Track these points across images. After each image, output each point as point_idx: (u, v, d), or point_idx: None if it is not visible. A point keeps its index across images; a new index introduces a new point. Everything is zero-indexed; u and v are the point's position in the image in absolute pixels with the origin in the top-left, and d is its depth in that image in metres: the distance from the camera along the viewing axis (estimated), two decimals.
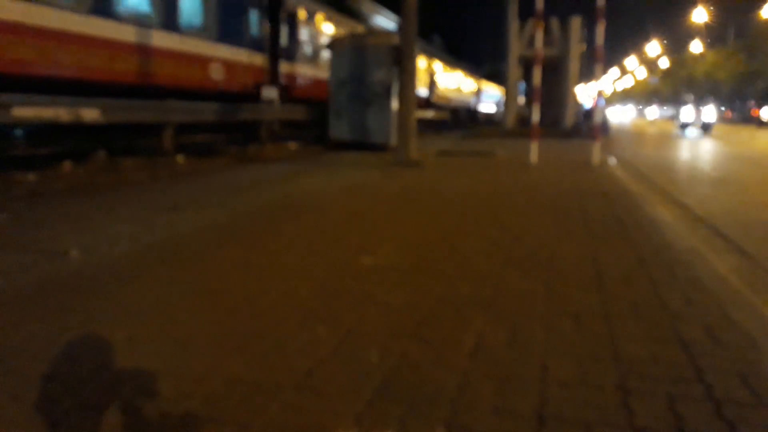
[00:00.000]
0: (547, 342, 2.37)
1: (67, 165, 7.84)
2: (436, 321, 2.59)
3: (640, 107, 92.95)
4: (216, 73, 12.16)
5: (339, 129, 13.04)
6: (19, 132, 8.64)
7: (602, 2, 9.97)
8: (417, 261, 3.60)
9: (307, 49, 16.45)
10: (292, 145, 13.77)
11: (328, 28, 17.90)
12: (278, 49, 14.65)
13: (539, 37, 10.91)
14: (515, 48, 22.08)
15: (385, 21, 31.71)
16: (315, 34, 16.94)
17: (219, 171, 8.73)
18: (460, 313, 2.69)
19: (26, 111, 7.27)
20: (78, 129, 8.62)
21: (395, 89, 11.40)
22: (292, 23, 15.40)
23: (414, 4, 9.58)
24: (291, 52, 15.30)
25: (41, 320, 2.55)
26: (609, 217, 5.16)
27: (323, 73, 16.42)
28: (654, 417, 1.82)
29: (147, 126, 9.88)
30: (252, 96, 13.21)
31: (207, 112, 11.27)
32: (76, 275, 3.24)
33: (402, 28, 10.11)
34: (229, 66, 12.60)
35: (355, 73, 12.77)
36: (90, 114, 8.17)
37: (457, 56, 48.23)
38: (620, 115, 77.02)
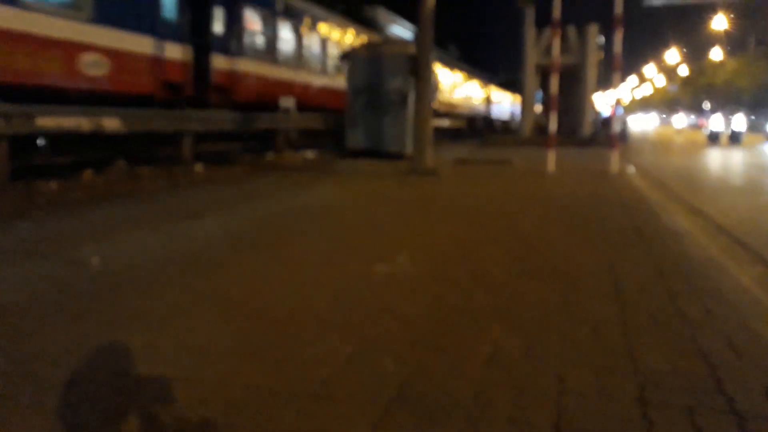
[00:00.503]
0: (563, 352, 2.35)
1: (87, 174, 7.96)
2: (451, 330, 2.59)
3: (664, 116, 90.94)
4: (93, 68, 8.87)
5: (355, 138, 13.06)
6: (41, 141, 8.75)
7: (620, 10, 9.93)
8: (432, 270, 3.60)
9: (259, 42, 13.31)
10: (309, 154, 13.83)
11: (296, 18, 15.04)
12: (209, 40, 11.51)
13: (556, 45, 10.88)
14: (532, 56, 22.01)
15: (401, 30, 31.79)
16: (272, 23, 13.89)
17: (236, 179, 8.78)
18: (476, 323, 2.68)
19: (48, 120, 7.39)
20: (98, 138, 8.70)
21: (411, 98, 11.42)
22: (234, 8, 12.31)
23: (430, 13, 9.61)
24: (231, 44, 12.14)
25: (62, 327, 2.58)
26: (627, 226, 5.11)
27: (286, 74, 14.40)
28: (673, 429, 1.80)
29: (166, 135, 9.96)
30: (163, 101, 10.19)
31: (224, 121, 11.33)
32: (96, 283, 3.28)
33: (418, 37, 10.14)
34: (118, 58, 9.32)
35: (371, 82, 12.79)
36: (111, 123, 8.28)
37: (473, 65, 48.22)
38: (642, 124, 75.91)
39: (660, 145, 26.45)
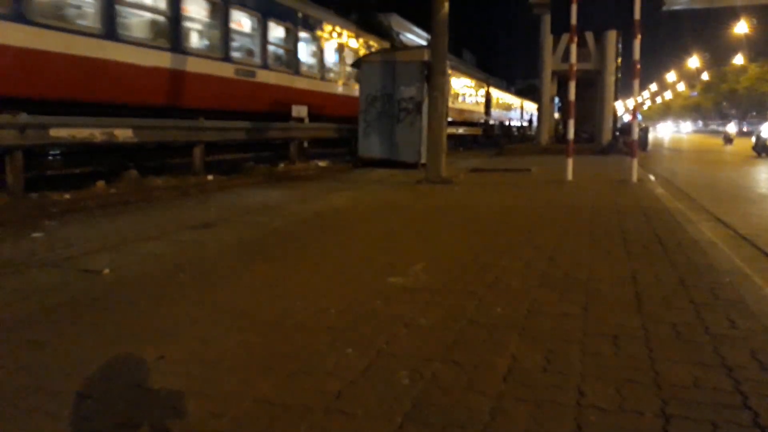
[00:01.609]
0: (583, 366, 2.30)
1: (99, 184, 8.04)
2: (468, 343, 2.54)
3: (699, 122, 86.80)
4: None
5: (368, 147, 12.99)
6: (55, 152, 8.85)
7: (638, 16, 9.81)
8: (448, 281, 3.55)
9: None
10: (321, 163, 13.83)
11: None
12: None
13: (573, 51, 10.78)
14: (549, 63, 21.88)
15: (414, 37, 31.79)
16: None
17: (248, 189, 8.82)
18: (493, 336, 2.63)
19: (62, 131, 7.48)
20: (109, 148, 8.77)
21: (426, 106, 11.37)
22: None
23: (444, 20, 9.60)
24: None
25: (75, 338, 2.59)
26: (648, 236, 5.02)
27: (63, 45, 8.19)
28: None
29: (177, 145, 10.01)
30: None
31: (237, 130, 11.34)
32: (109, 294, 3.29)
33: (432, 44, 10.12)
34: None
35: (384, 90, 12.70)
36: (123, 134, 8.36)
37: (489, 72, 48.22)
38: (669, 132, 73.45)
39: (692, 154, 25.88)
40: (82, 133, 7.75)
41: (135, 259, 4.12)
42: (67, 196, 7.16)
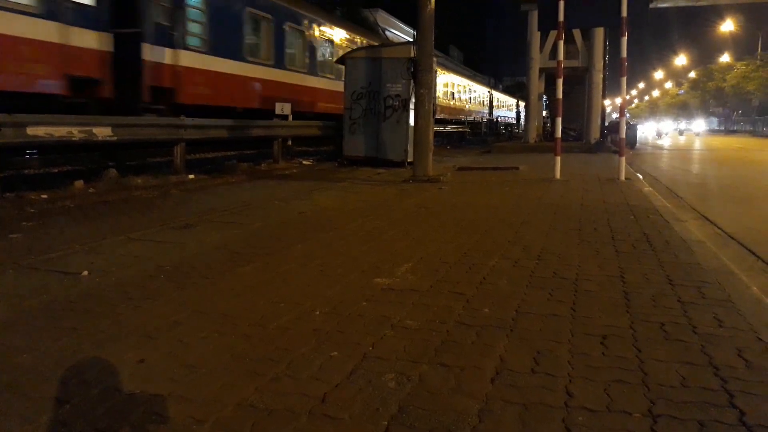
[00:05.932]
0: (572, 367, 2.29)
1: (78, 184, 7.92)
2: (455, 345, 2.52)
3: (707, 125, 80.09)
4: None
5: (353, 145, 12.90)
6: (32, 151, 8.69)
7: (626, 13, 9.83)
8: (435, 282, 3.53)
9: None
10: (306, 162, 13.74)
11: None
12: None
13: (561, 49, 10.79)
14: (536, 61, 21.94)
15: (401, 34, 31.82)
16: None
17: (230, 188, 8.73)
18: (481, 337, 2.61)
19: (40, 130, 7.34)
20: (88, 146, 8.61)
21: (412, 103, 11.32)
22: None
23: (430, 16, 9.56)
24: None
25: (53, 341, 2.54)
26: (636, 234, 5.03)
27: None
28: None
29: (157, 142, 9.85)
30: None
31: (218, 128, 11.19)
32: (88, 296, 3.23)
33: (418, 41, 10.07)
34: None
35: (370, 87, 12.61)
36: (102, 132, 8.22)
37: (477, 69, 48.44)
38: (672, 132, 71.28)
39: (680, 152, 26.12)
40: (60, 131, 7.59)
41: (114, 261, 4.05)
42: (44, 196, 7.04)
